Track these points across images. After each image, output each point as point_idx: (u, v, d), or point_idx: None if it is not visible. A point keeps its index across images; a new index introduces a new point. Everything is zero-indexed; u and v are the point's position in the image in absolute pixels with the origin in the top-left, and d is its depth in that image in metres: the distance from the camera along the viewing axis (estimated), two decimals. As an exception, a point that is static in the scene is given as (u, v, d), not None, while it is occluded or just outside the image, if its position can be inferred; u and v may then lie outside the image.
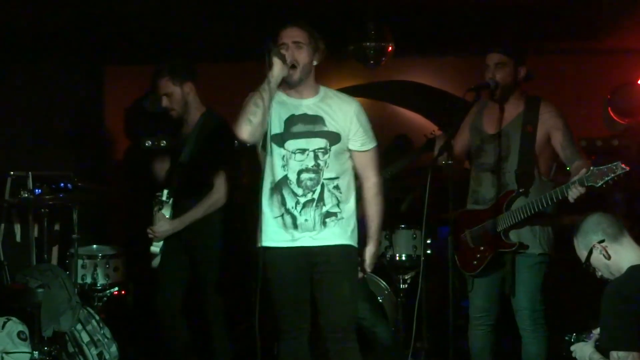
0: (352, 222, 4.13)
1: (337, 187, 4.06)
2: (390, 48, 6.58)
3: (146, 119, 7.82)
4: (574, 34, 7.13)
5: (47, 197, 5.71)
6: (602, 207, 4.17)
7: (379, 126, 8.08)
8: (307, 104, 4.09)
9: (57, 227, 6.45)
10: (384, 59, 6.63)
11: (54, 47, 7.03)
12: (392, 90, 8.22)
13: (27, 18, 6.06)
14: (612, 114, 7.75)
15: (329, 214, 4.05)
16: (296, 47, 4.00)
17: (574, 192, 4.07)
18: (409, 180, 6.62)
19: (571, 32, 7.01)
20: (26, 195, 5.66)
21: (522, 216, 4.36)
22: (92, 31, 6.66)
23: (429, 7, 6.15)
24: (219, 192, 4.95)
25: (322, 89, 4.16)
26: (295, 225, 4.04)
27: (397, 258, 5.93)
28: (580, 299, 5.49)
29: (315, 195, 4.03)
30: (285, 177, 4.04)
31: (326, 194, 4.04)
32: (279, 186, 4.05)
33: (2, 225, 6.01)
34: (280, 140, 4.04)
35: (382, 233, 4.28)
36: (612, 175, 3.96)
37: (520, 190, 4.44)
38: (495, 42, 4.54)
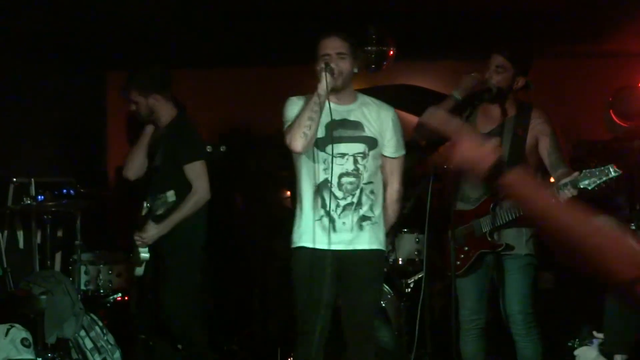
0: (383, 226, 4.25)
1: (372, 192, 4.19)
2: (391, 52, 6.58)
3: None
4: (576, 37, 7.13)
5: (50, 203, 5.72)
6: (605, 211, 4.15)
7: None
8: (347, 110, 4.21)
9: (59, 233, 6.46)
10: (385, 63, 6.63)
11: (56, 52, 7.04)
12: (393, 94, 8.20)
13: (30, 24, 6.07)
14: (613, 116, 7.74)
15: (364, 218, 4.16)
16: (339, 58, 4.12)
17: (565, 194, 4.05)
18: (411, 184, 6.62)
19: (573, 35, 7.01)
20: (29, 201, 5.67)
21: (508, 217, 4.34)
22: (95, 37, 6.67)
23: (430, 11, 6.15)
24: (198, 191, 4.95)
25: (360, 96, 4.30)
26: (334, 228, 4.13)
27: (400, 262, 5.92)
28: (574, 303, 5.49)
29: (355, 199, 4.15)
30: (327, 180, 4.13)
31: (364, 198, 4.16)
32: (321, 188, 4.15)
33: (5, 232, 6.02)
34: (322, 144, 4.14)
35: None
36: (605, 178, 3.95)
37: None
38: (504, 44, 4.52)
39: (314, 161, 4.15)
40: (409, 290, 5.95)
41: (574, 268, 1.85)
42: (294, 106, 4.20)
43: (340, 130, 4.15)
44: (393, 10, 6.15)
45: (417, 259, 5.89)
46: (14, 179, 6.04)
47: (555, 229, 1.88)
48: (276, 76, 7.98)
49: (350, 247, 4.14)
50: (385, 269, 5.84)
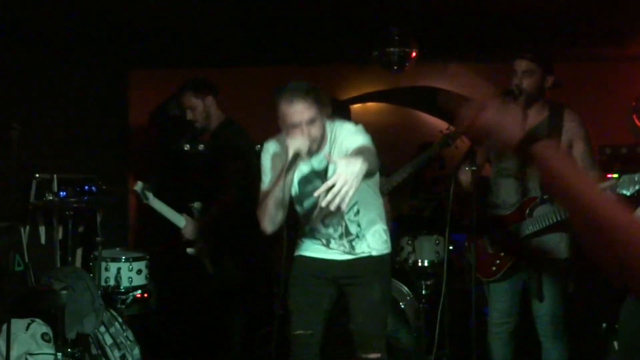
0: (378, 229, 4.14)
1: (357, 212, 4.07)
2: (414, 54, 6.57)
3: (170, 123, 7.87)
4: (599, 41, 7.09)
5: (72, 199, 5.73)
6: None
7: (403, 132, 8.16)
8: (317, 159, 3.96)
9: (81, 229, 6.49)
10: (407, 64, 6.62)
11: (79, 51, 7.08)
12: (415, 96, 8.21)
13: (53, 22, 6.10)
14: (637, 121, 7.71)
15: (355, 238, 4.10)
16: (310, 125, 3.76)
17: None
18: (434, 187, 6.62)
19: (596, 39, 6.98)
20: (51, 197, 5.69)
21: (546, 223, 4.32)
22: (117, 35, 6.70)
23: (453, 13, 6.13)
24: (230, 190, 5.12)
25: (329, 131, 3.93)
26: (329, 247, 4.14)
27: (420, 264, 5.91)
28: (601, 305, 5.46)
29: (342, 229, 4.10)
30: (312, 227, 4.12)
31: (350, 225, 4.09)
32: (311, 229, 4.15)
33: (27, 227, 6.05)
34: (298, 200, 4.07)
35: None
36: None
37: (545, 197, 4.40)
38: (525, 48, 4.49)
39: (298, 211, 4.12)
40: (428, 292, 5.94)
41: (597, 262, 1.82)
42: (269, 158, 4.02)
43: (312, 182, 3.96)
44: (416, 12, 6.13)
45: (436, 261, 5.89)
46: (37, 175, 6.08)
47: (585, 210, 1.80)
48: (296, 76, 7.98)
49: (346, 258, 4.12)
50: (398, 267, 5.84)
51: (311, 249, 4.17)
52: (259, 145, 5.67)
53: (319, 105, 3.79)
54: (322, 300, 4.17)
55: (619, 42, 7.07)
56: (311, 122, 3.76)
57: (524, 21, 6.26)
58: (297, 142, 3.69)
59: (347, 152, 3.72)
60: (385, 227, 4.20)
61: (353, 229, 4.09)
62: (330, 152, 3.90)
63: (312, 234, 4.16)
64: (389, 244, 4.22)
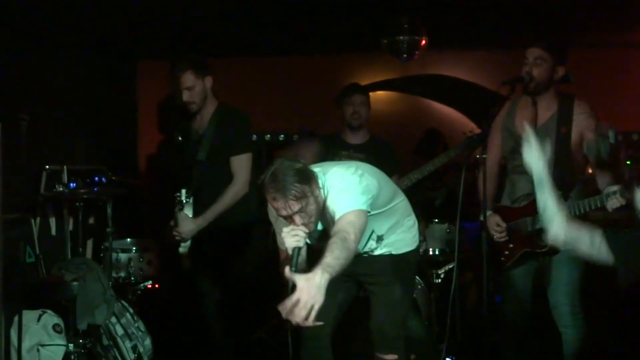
0: (402, 230, 4.07)
1: (377, 238, 3.98)
2: (423, 42, 6.53)
3: (179, 114, 7.87)
4: (610, 27, 7.05)
5: (82, 191, 5.74)
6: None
7: (412, 120, 8.14)
8: (319, 231, 3.83)
9: (91, 220, 6.51)
10: (417, 52, 6.58)
11: (87, 42, 7.08)
12: (425, 84, 8.19)
13: (61, 13, 6.10)
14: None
15: (376, 248, 4.04)
16: (300, 213, 3.56)
17: (613, 202, 3.98)
18: (443, 175, 6.60)
19: (607, 24, 6.93)
20: (61, 189, 5.70)
21: None
22: (126, 26, 6.69)
23: (462, 1, 6.10)
24: (238, 183, 4.92)
25: (322, 189, 3.70)
26: None
27: (431, 253, 5.90)
28: (614, 294, 5.43)
29: (365, 256, 4.02)
30: None
31: (373, 250, 4.02)
32: None
33: (38, 219, 6.06)
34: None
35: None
36: None
37: (559, 193, 4.37)
38: (538, 37, 4.48)
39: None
40: (440, 280, 5.93)
41: None
42: (274, 217, 3.86)
43: (320, 239, 3.77)
44: (425, 0, 6.10)
45: (447, 250, 5.88)
46: (47, 167, 6.09)
47: None
48: (305, 65, 7.98)
49: (367, 255, 4.06)
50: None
51: None
52: (268, 135, 5.59)
53: (306, 189, 3.56)
54: (336, 290, 4.08)
55: (630, 28, 7.03)
56: (300, 211, 3.55)
57: (533, 8, 6.23)
58: (292, 241, 3.50)
59: (334, 217, 3.60)
60: (410, 222, 4.11)
61: (374, 245, 4.03)
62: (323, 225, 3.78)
63: None
64: (416, 239, 4.15)
